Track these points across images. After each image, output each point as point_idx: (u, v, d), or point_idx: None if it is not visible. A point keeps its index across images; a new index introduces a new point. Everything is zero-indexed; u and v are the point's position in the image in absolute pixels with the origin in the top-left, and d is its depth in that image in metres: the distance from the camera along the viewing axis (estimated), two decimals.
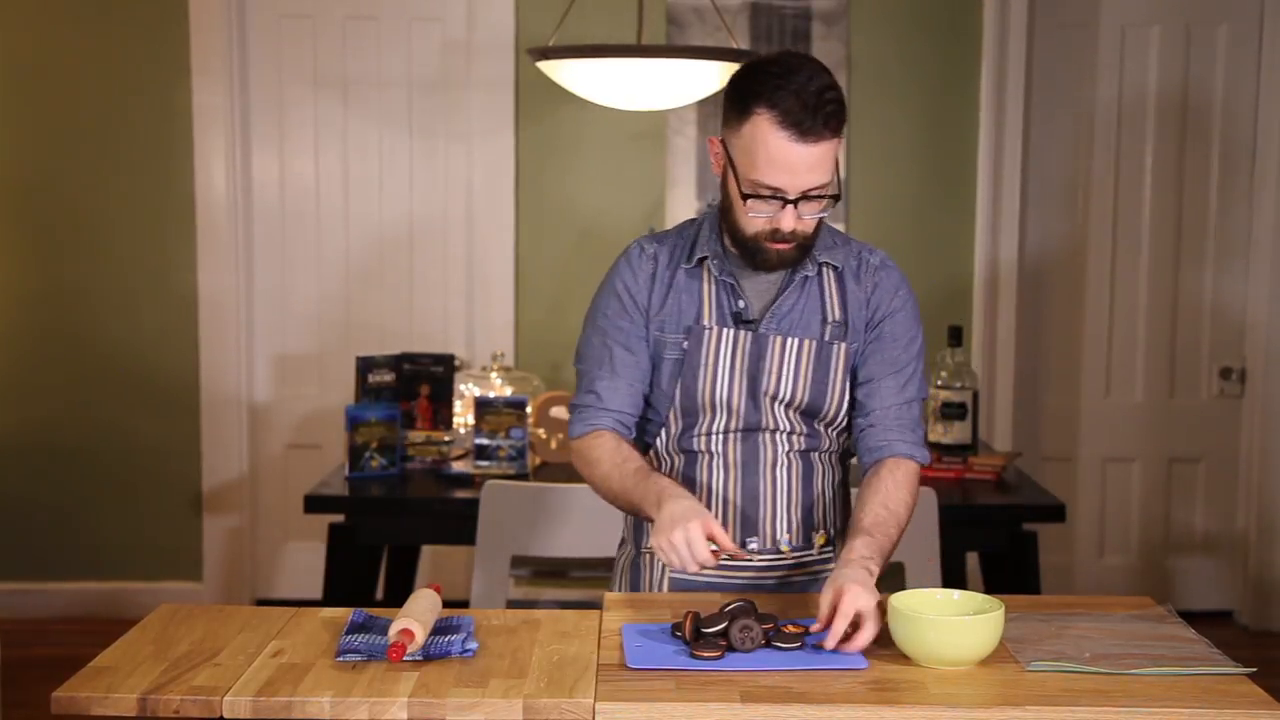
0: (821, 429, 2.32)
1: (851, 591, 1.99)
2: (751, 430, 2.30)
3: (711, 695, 1.82)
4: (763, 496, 2.30)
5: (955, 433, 3.80)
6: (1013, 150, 4.77)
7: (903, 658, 1.95)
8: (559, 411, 3.75)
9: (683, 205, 4.68)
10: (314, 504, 3.52)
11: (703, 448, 2.31)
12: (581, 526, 3.10)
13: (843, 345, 2.29)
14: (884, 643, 2.00)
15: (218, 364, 4.85)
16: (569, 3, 4.10)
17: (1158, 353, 4.94)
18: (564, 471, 3.49)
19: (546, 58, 3.75)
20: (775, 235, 2.20)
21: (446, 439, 3.77)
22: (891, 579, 3.44)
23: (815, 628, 2.01)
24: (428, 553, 4.65)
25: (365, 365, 3.79)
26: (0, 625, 4.40)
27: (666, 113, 4.63)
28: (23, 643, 4.44)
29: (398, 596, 3.68)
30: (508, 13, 4.75)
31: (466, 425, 3.92)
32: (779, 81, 2.13)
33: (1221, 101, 4.84)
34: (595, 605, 2.27)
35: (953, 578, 3.49)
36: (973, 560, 4.19)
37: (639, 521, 2.39)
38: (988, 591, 3.33)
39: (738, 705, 1.80)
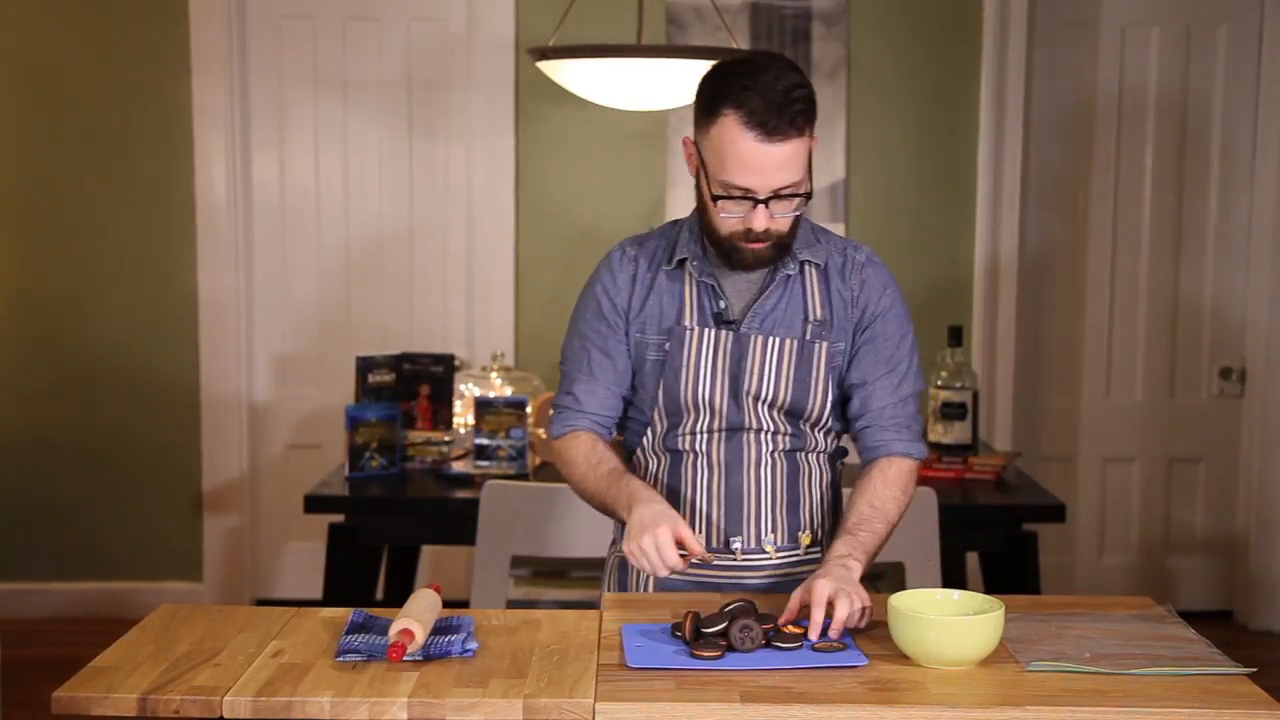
0: (807, 429, 2.32)
1: (816, 585, 2.03)
2: (735, 430, 2.30)
3: (711, 695, 1.82)
4: (746, 496, 2.31)
5: (955, 433, 3.80)
6: (1012, 150, 4.77)
7: (903, 658, 1.95)
8: None
9: (683, 205, 4.67)
10: (314, 504, 3.52)
11: (687, 447, 2.32)
12: (581, 526, 3.10)
13: (825, 344, 2.29)
14: (884, 643, 2.00)
15: (218, 364, 4.85)
16: (569, 3, 4.10)
17: (1158, 353, 4.94)
18: None
19: (546, 58, 3.75)
20: (749, 235, 2.20)
21: (446, 439, 3.77)
22: (892, 579, 3.44)
23: (781, 620, 2.03)
24: (428, 553, 4.65)
25: (365, 365, 3.79)
26: (0, 625, 4.40)
27: (666, 113, 4.63)
28: (23, 643, 4.44)
29: (398, 596, 3.68)
30: (508, 13, 4.75)
31: (466, 425, 3.92)
32: (745, 82, 2.13)
33: (1221, 101, 4.84)
34: (595, 605, 2.27)
35: (953, 578, 3.49)
36: (973, 560, 4.19)
37: None
38: (988, 591, 3.33)
39: (738, 705, 1.80)
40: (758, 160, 2.13)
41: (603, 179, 4.81)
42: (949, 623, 1.94)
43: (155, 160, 4.80)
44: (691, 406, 2.29)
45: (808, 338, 2.29)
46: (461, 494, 3.52)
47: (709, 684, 1.86)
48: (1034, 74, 4.79)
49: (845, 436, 2.43)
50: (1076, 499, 4.90)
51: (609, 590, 2.44)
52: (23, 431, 4.85)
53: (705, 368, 2.28)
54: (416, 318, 4.93)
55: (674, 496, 2.31)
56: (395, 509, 3.58)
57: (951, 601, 2.03)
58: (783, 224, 2.21)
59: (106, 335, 4.83)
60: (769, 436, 2.31)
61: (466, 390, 3.99)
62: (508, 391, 3.96)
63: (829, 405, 2.31)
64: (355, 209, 4.91)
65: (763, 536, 2.31)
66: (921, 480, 3.46)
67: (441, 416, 3.83)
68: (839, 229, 4.74)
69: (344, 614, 2.14)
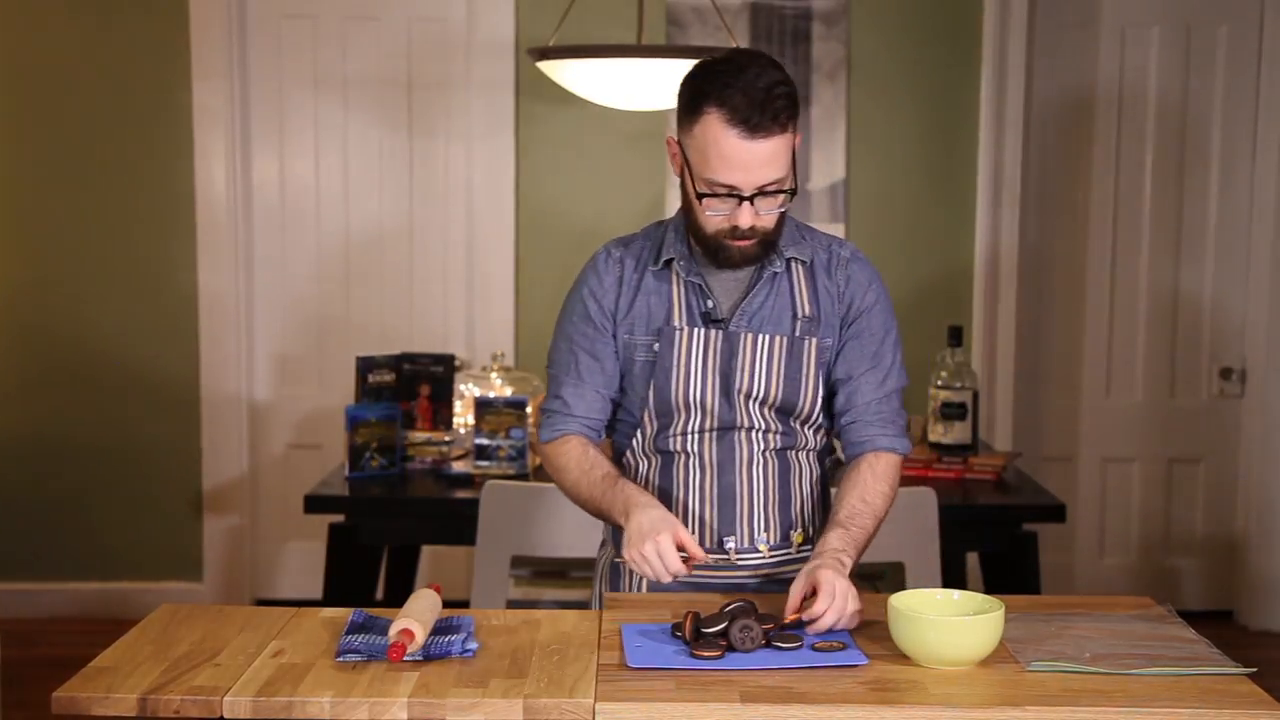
0: (797, 426, 2.33)
1: (824, 575, 2.05)
2: (726, 429, 2.30)
3: (711, 695, 1.82)
4: (739, 496, 2.31)
5: (955, 433, 3.80)
6: (1012, 150, 4.77)
7: (903, 658, 1.96)
8: None
9: None
10: (314, 504, 3.52)
11: (678, 448, 2.32)
12: (581, 526, 3.09)
13: (814, 340, 2.30)
14: (884, 643, 2.00)
15: (218, 364, 4.86)
16: (569, 3, 4.10)
17: (1158, 353, 4.94)
18: None
19: (546, 58, 3.75)
20: (734, 232, 2.20)
21: (446, 439, 3.77)
22: (892, 579, 3.44)
23: (789, 618, 2.03)
24: (428, 553, 4.65)
25: (365, 365, 3.79)
26: (0, 625, 4.40)
27: (666, 113, 4.62)
28: (23, 643, 4.44)
29: (398, 596, 3.68)
30: (508, 13, 4.75)
31: (466, 425, 3.92)
32: (727, 80, 2.15)
33: (1221, 101, 4.84)
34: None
35: (953, 578, 3.49)
36: (973, 560, 4.19)
37: None
38: (988, 591, 3.33)
39: (738, 705, 1.80)
40: (741, 157, 2.14)
41: (603, 179, 4.81)
42: (949, 623, 1.94)
43: (155, 160, 4.80)
44: (683, 407, 2.29)
45: (797, 334, 2.29)
46: (461, 494, 3.52)
47: (709, 684, 1.86)
48: (1034, 74, 4.79)
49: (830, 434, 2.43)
50: (1076, 499, 4.90)
51: (600, 591, 2.44)
52: (23, 431, 4.85)
53: (696, 367, 2.28)
54: (416, 318, 4.93)
55: (665, 498, 2.32)
56: (395, 509, 3.58)
57: (951, 601, 2.03)
58: (768, 221, 2.22)
59: (107, 335, 4.83)
60: (760, 435, 2.31)
61: (466, 390, 3.99)
62: (508, 391, 3.95)
63: (819, 401, 2.31)
64: (355, 209, 4.91)
65: (756, 536, 2.31)
66: (921, 480, 3.49)
67: (441, 416, 3.83)
68: (839, 229, 4.74)
69: (344, 614, 2.14)
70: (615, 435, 2.41)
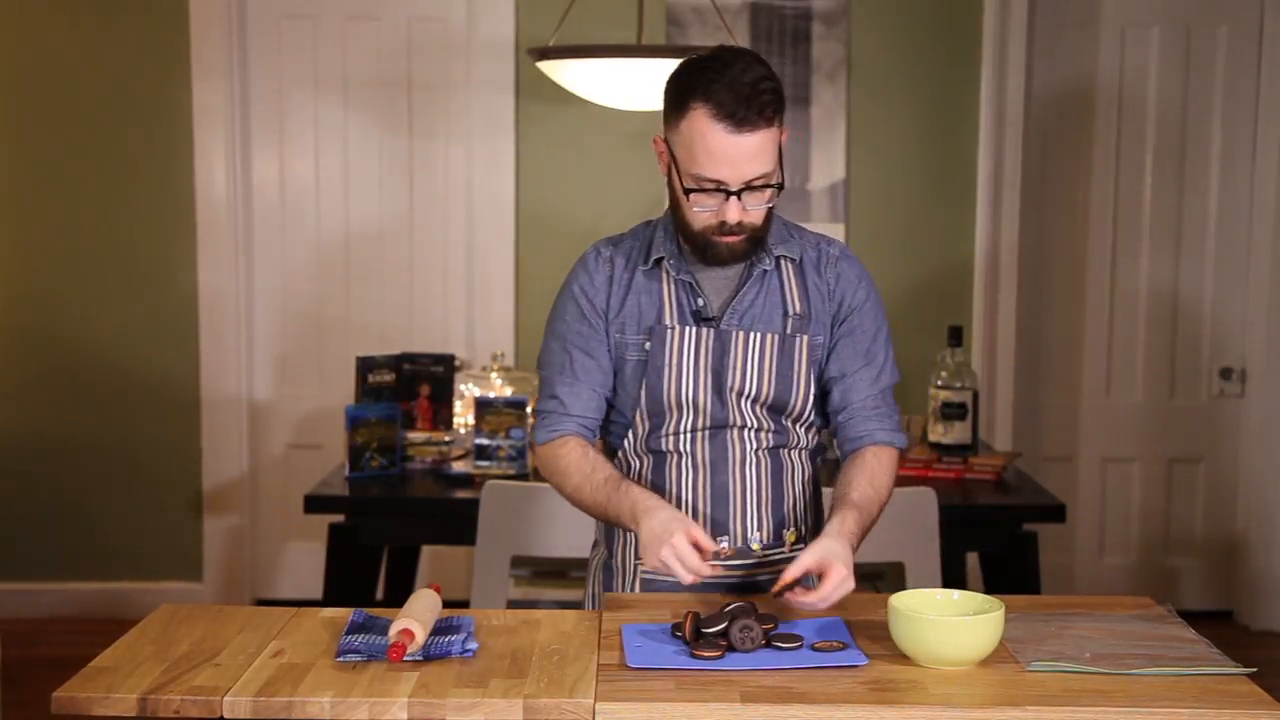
0: (789, 425, 2.33)
1: (834, 563, 2.08)
2: (719, 428, 2.30)
3: (711, 695, 1.82)
4: (732, 495, 2.31)
5: (955, 433, 3.80)
6: (1012, 150, 4.77)
7: (903, 658, 1.95)
8: None
9: None
10: (314, 504, 3.52)
11: (670, 448, 2.31)
12: (581, 526, 3.08)
13: (805, 338, 2.30)
14: (884, 643, 2.00)
15: (218, 364, 4.86)
16: (569, 3, 4.10)
17: (1158, 353, 4.94)
18: None
19: (546, 58, 3.75)
20: (722, 228, 2.21)
21: (446, 439, 3.77)
22: (892, 579, 3.44)
23: (782, 583, 2.07)
24: (428, 553, 4.65)
25: (365, 365, 3.79)
26: (0, 625, 4.40)
27: None
28: (23, 643, 4.44)
29: (398, 596, 3.68)
30: (508, 13, 4.75)
31: (466, 425, 3.92)
32: (713, 75, 2.15)
33: (1221, 101, 4.84)
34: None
35: (953, 578, 3.49)
36: (973, 560, 4.19)
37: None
38: (988, 591, 3.33)
39: (738, 705, 1.80)
40: (728, 152, 2.15)
41: (603, 179, 4.81)
42: (949, 623, 1.94)
43: (155, 160, 4.80)
44: (675, 406, 2.29)
45: (788, 332, 2.29)
46: (461, 494, 3.52)
47: (709, 684, 1.86)
48: (1034, 74, 4.79)
49: (823, 434, 2.43)
50: (1076, 499, 4.90)
51: (593, 592, 2.44)
52: (22, 431, 4.85)
53: (688, 366, 2.28)
54: (416, 318, 4.93)
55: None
56: (395, 509, 3.58)
57: (951, 601, 2.03)
58: (755, 216, 2.22)
59: (106, 335, 4.83)
60: (752, 434, 2.30)
61: (466, 390, 3.99)
62: (508, 391, 3.96)
63: (811, 399, 2.31)
64: (355, 209, 4.91)
65: (749, 535, 2.31)
66: (921, 480, 3.49)
67: (441, 416, 3.83)
68: (839, 229, 4.74)
69: (344, 614, 2.14)
70: (608, 436, 2.40)
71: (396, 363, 3.83)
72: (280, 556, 5.02)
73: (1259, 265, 4.83)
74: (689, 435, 2.30)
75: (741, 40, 4.63)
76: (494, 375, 4.01)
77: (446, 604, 2.14)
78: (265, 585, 5.02)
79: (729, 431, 2.30)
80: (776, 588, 2.08)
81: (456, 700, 1.81)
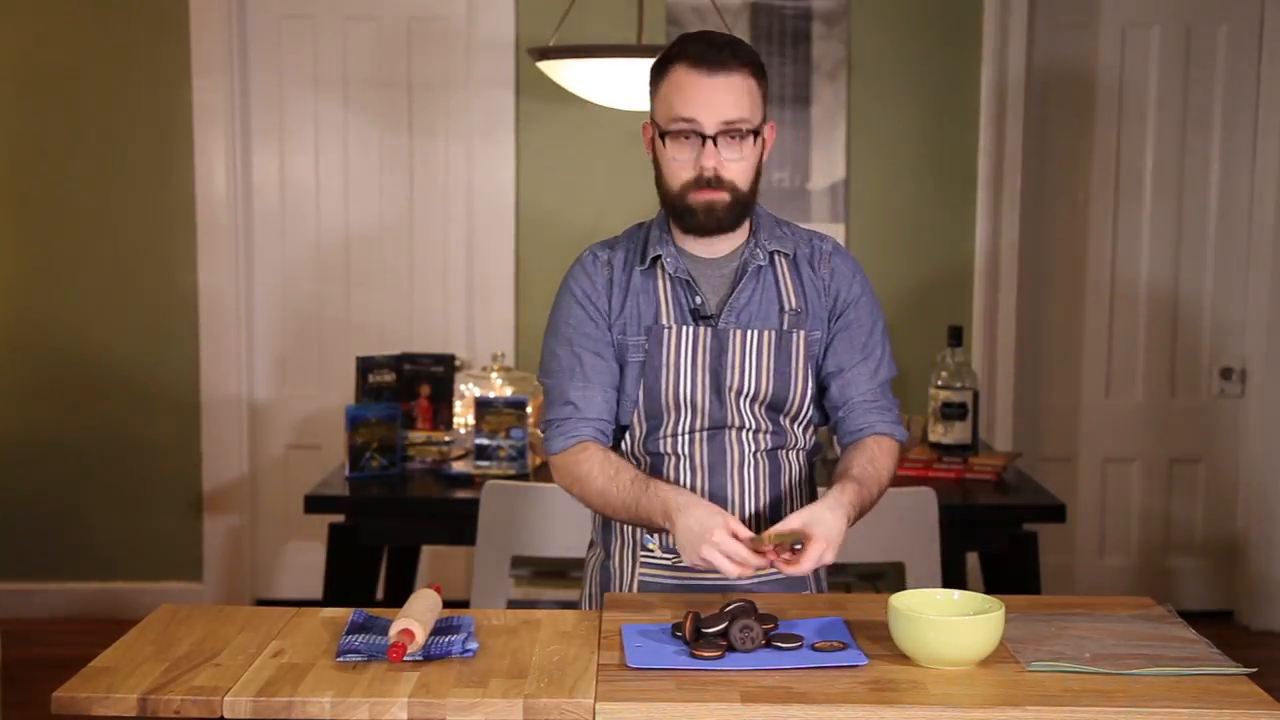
0: (787, 424, 2.32)
1: (823, 534, 2.09)
2: (717, 429, 2.29)
3: (711, 695, 1.82)
4: (730, 497, 2.30)
5: (955, 433, 3.80)
6: (1012, 150, 4.77)
7: (903, 658, 1.95)
8: None
9: None
10: (314, 504, 3.52)
11: (669, 449, 2.30)
12: (582, 526, 3.08)
13: (802, 334, 2.30)
14: (884, 643, 2.00)
15: (218, 364, 4.86)
16: (569, 3, 4.10)
17: (1158, 353, 4.94)
18: None
19: (546, 58, 3.75)
20: (700, 181, 2.21)
21: (446, 439, 3.77)
22: (892, 579, 3.44)
23: (765, 545, 2.07)
24: (428, 553, 4.65)
25: (365, 365, 3.79)
26: (0, 625, 4.40)
27: None
28: (23, 643, 4.44)
29: (398, 596, 3.68)
30: (508, 13, 4.75)
31: (466, 425, 3.92)
32: (688, 37, 2.26)
33: (1221, 101, 4.84)
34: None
35: (953, 578, 3.49)
36: (973, 560, 4.19)
37: (607, 523, 2.38)
38: (988, 591, 3.33)
39: (738, 705, 1.80)
40: (701, 92, 2.19)
41: (603, 179, 4.81)
42: (949, 623, 1.93)
43: (155, 160, 4.80)
44: (673, 406, 2.28)
45: (785, 327, 2.29)
46: (461, 494, 3.52)
47: (709, 684, 1.86)
48: (1034, 74, 4.79)
49: (820, 433, 2.43)
50: (1076, 499, 4.90)
51: (590, 593, 2.43)
52: (22, 432, 4.85)
53: (686, 365, 2.28)
54: (416, 318, 4.93)
55: None
56: (395, 509, 3.58)
57: (951, 601, 2.03)
58: (735, 171, 2.22)
59: (106, 335, 4.83)
60: (751, 435, 2.30)
61: (466, 390, 3.99)
62: (508, 391, 3.96)
63: (809, 396, 2.31)
64: (355, 209, 4.91)
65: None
66: (921, 480, 3.49)
67: (442, 416, 3.83)
68: (839, 229, 4.75)
69: (344, 614, 2.14)
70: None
71: (397, 363, 3.83)
72: (280, 556, 5.02)
73: (1259, 265, 4.83)
74: (687, 437, 2.30)
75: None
76: (494, 375, 4.01)
77: (446, 604, 2.14)
78: (265, 585, 5.02)
79: (727, 433, 2.30)
80: (762, 546, 2.07)
81: (456, 700, 1.81)
